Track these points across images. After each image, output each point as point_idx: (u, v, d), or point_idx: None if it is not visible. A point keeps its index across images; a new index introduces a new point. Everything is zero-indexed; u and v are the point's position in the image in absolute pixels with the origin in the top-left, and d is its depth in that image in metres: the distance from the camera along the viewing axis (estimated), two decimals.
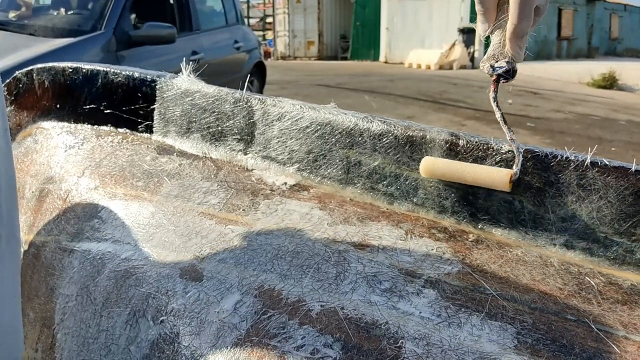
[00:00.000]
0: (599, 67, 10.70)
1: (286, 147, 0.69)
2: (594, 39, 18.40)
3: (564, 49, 16.95)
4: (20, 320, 0.34)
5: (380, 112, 6.29)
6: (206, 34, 4.25)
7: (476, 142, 0.57)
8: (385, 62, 15.84)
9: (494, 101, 0.57)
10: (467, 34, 13.16)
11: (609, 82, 10.12)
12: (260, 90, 5.51)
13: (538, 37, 15.50)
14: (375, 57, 16.60)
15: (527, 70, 12.12)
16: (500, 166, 0.56)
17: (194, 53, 3.85)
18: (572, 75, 11.08)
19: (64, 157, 0.80)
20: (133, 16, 3.51)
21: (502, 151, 0.55)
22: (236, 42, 4.75)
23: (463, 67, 12.99)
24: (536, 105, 7.45)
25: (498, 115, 0.56)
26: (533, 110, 7.01)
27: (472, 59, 13.23)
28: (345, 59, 17.68)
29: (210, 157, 0.74)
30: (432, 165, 0.58)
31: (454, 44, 13.25)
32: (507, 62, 0.56)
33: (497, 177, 0.54)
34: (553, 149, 0.54)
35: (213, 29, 4.46)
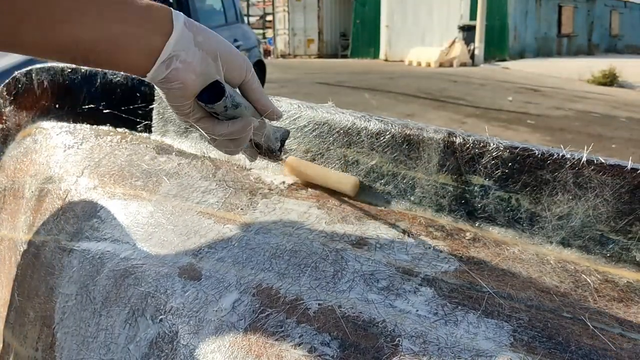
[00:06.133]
0: (599, 64, 10.69)
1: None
2: (594, 35, 18.38)
3: (564, 46, 16.94)
4: None
5: (380, 110, 6.29)
6: None
7: (473, 140, 0.57)
8: (386, 60, 15.84)
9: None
10: (468, 32, 13.16)
11: (609, 79, 10.11)
12: None
13: (538, 34, 15.48)
14: (376, 55, 16.61)
15: (528, 68, 12.12)
16: (497, 164, 0.56)
17: None
18: (573, 72, 11.07)
19: (63, 157, 0.80)
20: None
21: (500, 149, 0.56)
22: (236, 40, 4.75)
23: (463, 64, 12.98)
24: (536, 102, 7.45)
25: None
26: (533, 107, 7.01)
27: (472, 56, 13.23)
28: (345, 57, 17.69)
29: (209, 157, 0.74)
30: (296, 165, 0.66)
31: (454, 42, 13.24)
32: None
33: (343, 184, 0.63)
34: (550, 147, 0.54)
35: (212, 28, 4.46)
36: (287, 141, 0.69)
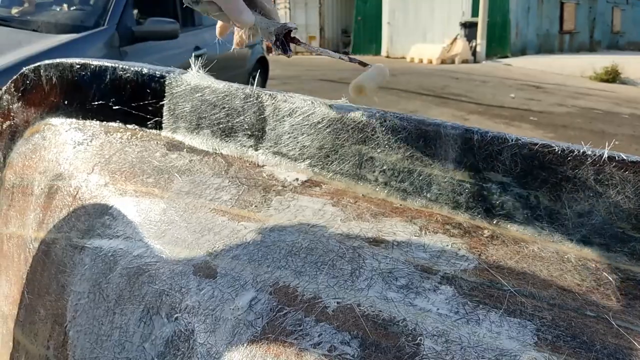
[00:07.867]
0: (601, 61, 10.66)
1: (297, 142, 0.68)
2: (596, 32, 18.33)
3: (566, 42, 16.90)
4: None
5: (383, 107, 6.25)
6: (209, 29, 4.23)
7: (491, 136, 0.56)
8: (387, 57, 15.81)
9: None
10: (469, 28, 13.12)
11: (612, 76, 10.08)
12: (263, 86, 5.50)
13: (540, 31, 15.44)
14: (377, 52, 16.57)
15: (529, 64, 12.09)
16: (515, 161, 0.55)
17: (197, 48, 3.84)
18: (575, 69, 11.04)
19: (73, 154, 0.79)
20: (136, 12, 3.50)
21: (518, 145, 0.55)
22: None
23: (465, 61, 12.95)
24: (539, 99, 7.44)
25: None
26: (536, 104, 7.00)
27: (474, 53, 13.19)
28: (346, 53, 17.65)
29: (221, 153, 0.73)
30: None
31: (455, 38, 13.20)
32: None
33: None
34: (570, 144, 0.54)
35: (215, 24, 4.45)
36: (300, 137, 0.68)
